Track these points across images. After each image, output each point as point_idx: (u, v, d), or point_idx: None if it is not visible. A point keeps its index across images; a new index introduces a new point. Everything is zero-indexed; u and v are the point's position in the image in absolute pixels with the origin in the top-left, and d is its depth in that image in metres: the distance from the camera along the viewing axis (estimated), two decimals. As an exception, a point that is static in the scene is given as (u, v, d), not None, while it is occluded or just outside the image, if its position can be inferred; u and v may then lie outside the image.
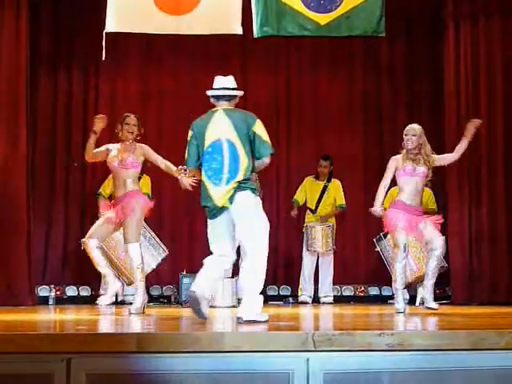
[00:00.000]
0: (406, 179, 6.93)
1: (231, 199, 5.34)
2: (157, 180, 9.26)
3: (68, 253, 9.73)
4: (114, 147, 7.06)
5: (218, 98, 5.59)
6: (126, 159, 6.96)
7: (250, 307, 5.28)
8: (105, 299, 6.92)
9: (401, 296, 6.91)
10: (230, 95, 5.59)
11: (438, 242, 6.88)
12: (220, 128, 5.45)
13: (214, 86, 5.63)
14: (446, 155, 7.25)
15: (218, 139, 5.42)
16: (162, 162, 7.00)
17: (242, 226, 5.34)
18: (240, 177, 5.36)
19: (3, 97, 8.64)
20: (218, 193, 5.37)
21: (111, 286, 6.91)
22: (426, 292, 6.93)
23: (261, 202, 5.46)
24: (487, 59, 9.05)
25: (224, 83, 5.63)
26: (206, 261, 5.48)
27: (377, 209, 6.98)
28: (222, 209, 5.35)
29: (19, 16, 8.66)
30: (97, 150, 7.01)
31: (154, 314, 7.23)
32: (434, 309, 6.78)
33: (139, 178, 7.26)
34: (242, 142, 5.39)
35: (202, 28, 8.30)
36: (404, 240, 6.86)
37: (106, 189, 8.92)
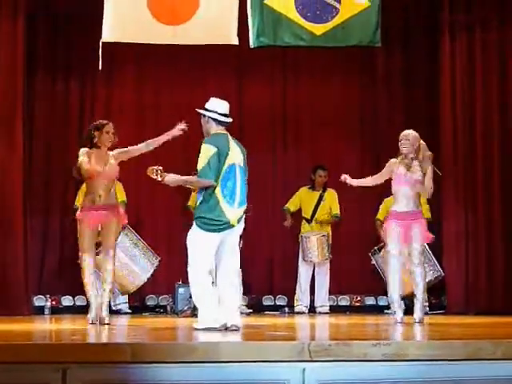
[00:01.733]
0: (398, 184, 6.95)
1: (239, 220, 5.68)
2: (150, 190, 9.27)
3: (64, 262, 9.69)
4: (89, 154, 6.73)
5: (220, 122, 5.73)
6: (109, 166, 6.77)
7: (239, 315, 5.73)
8: (91, 317, 6.79)
9: (397, 306, 6.89)
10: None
11: (416, 247, 6.86)
12: (236, 152, 5.70)
13: (223, 111, 5.73)
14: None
15: (233, 163, 5.65)
16: (138, 149, 6.82)
17: (234, 244, 5.75)
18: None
19: (0, 105, 8.63)
20: (231, 213, 5.62)
21: (93, 302, 6.79)
22: (415, 306, 6.90)
23: None
24: (483, 68, 9.10)
25: (228, 110, 5.76)
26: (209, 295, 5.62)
27: (348, 178, 7.15)
28: (231, 226, 5.62)
29: (16, 25, 8.67)
30: (87, 167, 6.70)
31: (150, 323, 7.21)
32: (419, 322, 6.73)
33: None
34: (245, 168, 5.77)
35: (198, 38, 8.33)
36: (397, 250, 6.85)
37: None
